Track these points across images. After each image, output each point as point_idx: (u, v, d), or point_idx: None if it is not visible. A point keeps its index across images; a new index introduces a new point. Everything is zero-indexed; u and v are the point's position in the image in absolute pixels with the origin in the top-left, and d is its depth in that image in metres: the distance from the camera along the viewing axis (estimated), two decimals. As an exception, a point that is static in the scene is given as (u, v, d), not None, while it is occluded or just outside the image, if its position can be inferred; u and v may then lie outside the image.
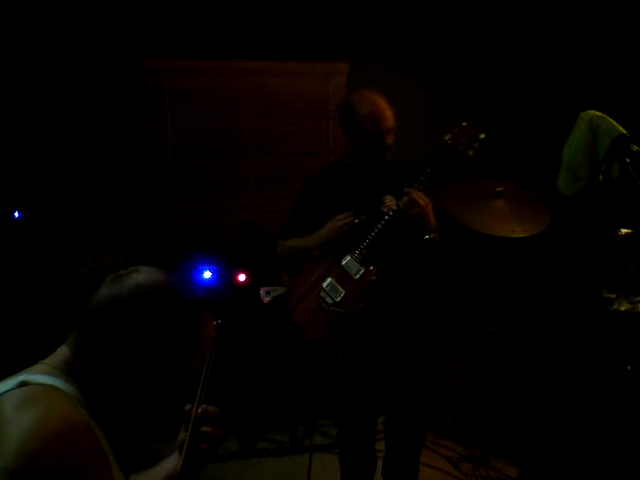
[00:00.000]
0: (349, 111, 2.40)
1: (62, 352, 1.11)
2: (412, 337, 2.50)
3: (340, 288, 2.37)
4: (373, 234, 2.33)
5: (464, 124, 2.35)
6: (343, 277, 2.37)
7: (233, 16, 3.98)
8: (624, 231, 2.64)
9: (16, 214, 3.57)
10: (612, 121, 2.45)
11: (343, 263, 2.38)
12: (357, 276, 2.35)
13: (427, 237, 2.33)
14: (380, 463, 2.62)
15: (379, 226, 2.32)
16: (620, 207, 2.66)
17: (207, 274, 3.60)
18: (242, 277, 3.70)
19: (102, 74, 3.85)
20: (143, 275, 1.12)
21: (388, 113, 2.35)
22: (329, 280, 2.39)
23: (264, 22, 4.01)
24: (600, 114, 2.49)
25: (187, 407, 1.24)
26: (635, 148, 2.40)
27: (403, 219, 2.29)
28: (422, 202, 2.26)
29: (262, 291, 3.55)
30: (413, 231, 2.33)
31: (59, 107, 3.81)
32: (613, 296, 2.65)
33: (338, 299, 2.36)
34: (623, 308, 2.59)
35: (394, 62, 4.10)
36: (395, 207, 2.30)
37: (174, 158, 4.11)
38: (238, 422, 3.61)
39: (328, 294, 2.38)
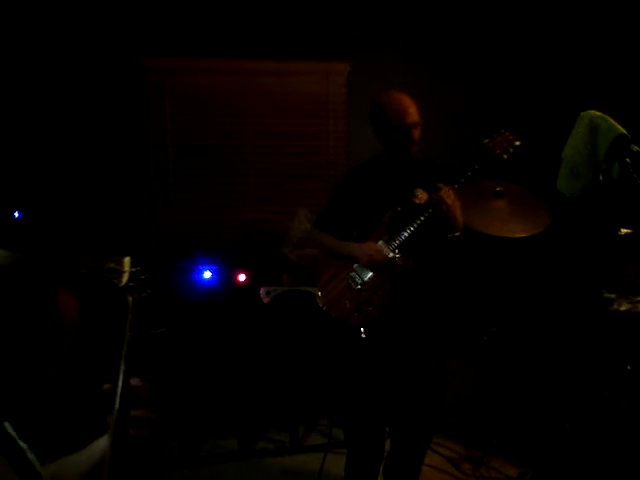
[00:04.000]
0: (378, 110, 2.53)
1: None
2: (431, 329, 2.57)
3: (369, 270, 2.49)
4: (410, 228, 2.44)
5: (503, 130, 2.54)
6: None
7: (233, 16, 3.98)
8: (624, 231, 2.64)
9: (16, 214, 3.57)
10: (612, 121, 2.44)
11: None
12: (387, 260, 2.46)
13: (451, 235, 2.45)
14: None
15: (417, 221, 2.44)
16: (620, 207, 2.66)
17: (207, 274, 3.60)
18: (242, 277, 3.70)
19: (102, 74, 3.85)
20: None
21: (413, 109, 2.49)
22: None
23: (264, 22, 4.00)
24: (600, 114, 2.48)
25: (105, 386, 1.15)
26: (635, 148, 2.39)
27: (433, 214, 2.43)
28: (449, 201, 2.39)
29: (262, 291, 3.55)
30: (440, 226, 2.45)
31: (59, 107, 3.81)
32: (613, 296, 2.65)
33: (367, 279, 2.48)
34: (623, 308, 2.59)
35: (394, 62, 4.11)
36: (427, 203, 2.44)
37: (174, 158, 4.11)
38: (238, 422, 3.61)
39: (358, 274, 2.50)
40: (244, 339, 3.62)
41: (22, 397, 1.04)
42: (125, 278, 1.32)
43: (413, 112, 2.49)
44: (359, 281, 2.50)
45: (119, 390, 1.11)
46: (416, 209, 2.47)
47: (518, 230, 2.57)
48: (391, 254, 2.46)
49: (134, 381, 1.15)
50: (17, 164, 3.72)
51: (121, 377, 1.13)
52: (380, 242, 2.50)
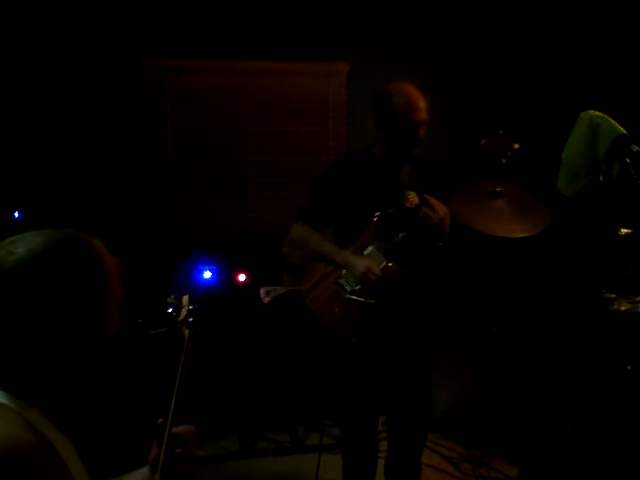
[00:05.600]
0: (385, 100, 2.39)
1: None
2: (421, 334, 2.52)
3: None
4: (402, 233, 2.34)
5: (501, 132, 2.38)
6: None
7: (233, 16, 3.98)
8: (624, 231, 2.65)
9: (16, 214, 3.57)
10: (612, 121, 2.44)
11: (365, 253, 2.39)
12: (379, 267, 2.35)
13: (439, 244, 2.37)
14: (381, 463, 2.62)
15: (409, 226, 2.34)
16: (620, 207, 2.66)
17: (207, 274, 3.60)
18: (242, 277, 3.69)
19: (102, 74, 3.85)
20: (20, 245, 1.03)
21: (422, 105, 2.37)
22: None
23: (264, 22, 4.01)
24: (600, 114, 2.48)
25: (160, 421, 1.17)
26: (635, 148, 2.39)
27: (421, 222, 2.32)
28: (442, 213, 2.28)
29: (262, 291, 3.55)
30: (430, 236, 2.36)
31: (59, 107, 3.81)
32: (613, 296, 2.65)
33: (357, 287, 2.36)
34: (623, 308, 2.59)
35: (394, 62, 4.10)
36: (420, 211, 2.31)
37: (174, 158, 4.11)
38: (238, 422, 3.61)
39: (347, 281, 2.38)
40: (244, 339, 3.62)
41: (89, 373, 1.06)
42: (184, 313, 1.41)
43: (423, 109, 2.36)
44: (348, 289, 2.36)
45: (169, 430, 1.14)
46: (407, 213, 2.33)
47: (518, 230, 2.56)
48: (383, 262, 2.35)
49: (182, 428, 1.17)
50: (17, 164, 3.72)
51: (172, 410, 1.17)
52: (370, 248, 2.38)
